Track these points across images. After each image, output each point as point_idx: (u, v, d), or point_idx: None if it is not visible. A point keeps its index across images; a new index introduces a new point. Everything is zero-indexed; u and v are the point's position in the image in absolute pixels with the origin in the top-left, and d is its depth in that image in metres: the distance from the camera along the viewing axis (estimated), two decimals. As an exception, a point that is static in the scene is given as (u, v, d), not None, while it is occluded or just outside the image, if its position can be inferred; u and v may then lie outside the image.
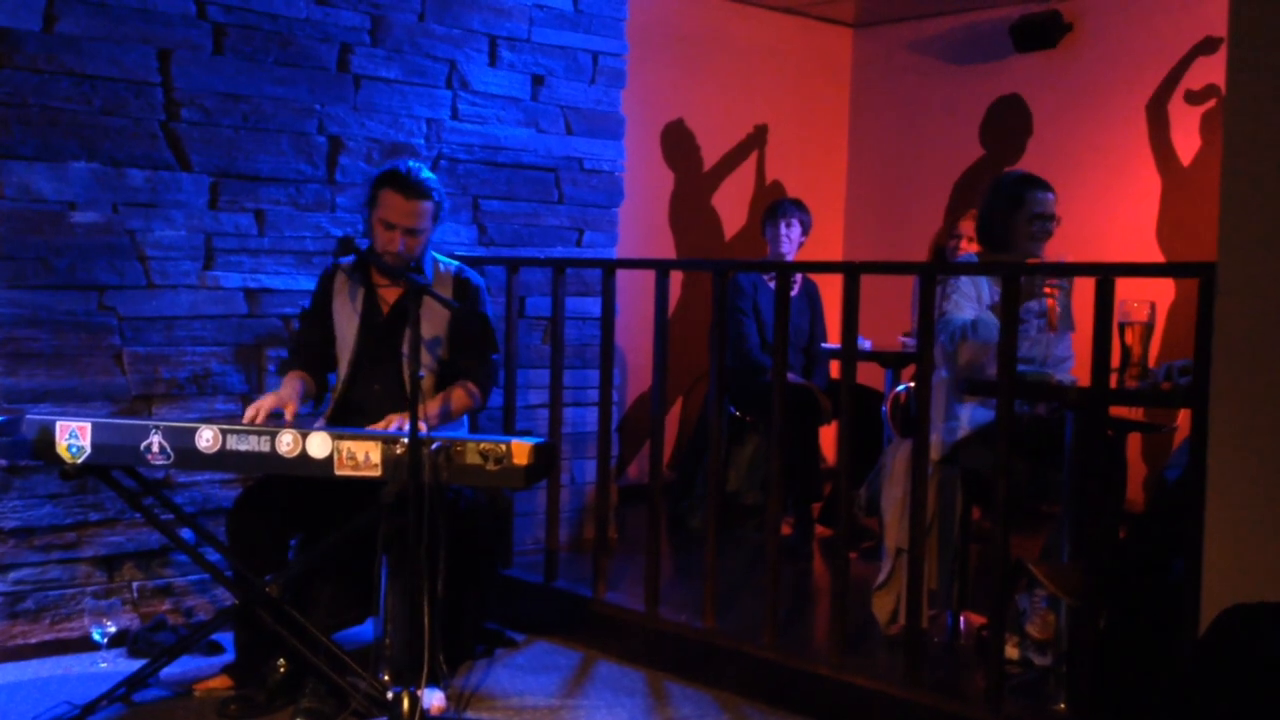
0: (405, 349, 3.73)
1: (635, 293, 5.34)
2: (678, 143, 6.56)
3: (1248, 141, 2.73)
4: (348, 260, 3.77)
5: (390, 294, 3.84)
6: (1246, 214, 2.73)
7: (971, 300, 3.82)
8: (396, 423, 3.51)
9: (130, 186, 4.07)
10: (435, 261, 3.88)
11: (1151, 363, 3.60)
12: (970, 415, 3.84)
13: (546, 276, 4.74)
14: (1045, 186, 3.89)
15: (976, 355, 3.75)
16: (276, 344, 4.35)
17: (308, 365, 3.90)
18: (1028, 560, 3.53)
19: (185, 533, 3.80)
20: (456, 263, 3.96)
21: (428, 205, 3.71)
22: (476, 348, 3.85)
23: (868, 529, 5.19)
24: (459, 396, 3.76)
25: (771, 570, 3.80)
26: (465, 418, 3.95)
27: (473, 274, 3.94)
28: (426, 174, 3.76)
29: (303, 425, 3.43)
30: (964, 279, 3.86)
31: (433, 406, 3.66)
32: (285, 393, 3.69)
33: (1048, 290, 3.76)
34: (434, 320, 3.75)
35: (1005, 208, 3.87)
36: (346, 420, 3.72)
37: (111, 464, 3.42)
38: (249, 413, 3.55)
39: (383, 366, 3.80)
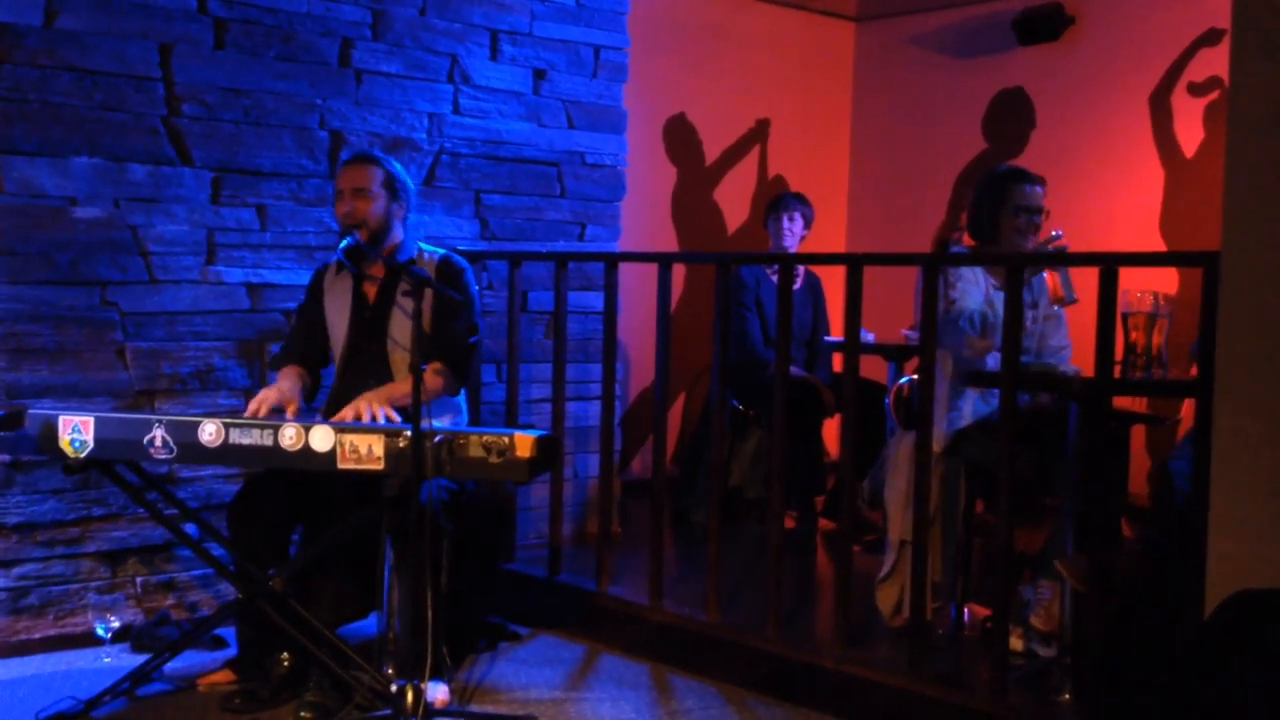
0: (393, 337, 3.75)
1: (638, 287, 5.33)
2: (680, 137, 6.56)
3: (1251, 132, 2.73)
4: (336, 256, 3.78)
5: (375, 286, 3.84)
6: (1250, 204, 2.72)
7: (975, 287, 3.82)
8: (353, 411, 3.48)
9: (132, 182, 4.07)
10: (420, 251, 3.89)
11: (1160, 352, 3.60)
12: (973, 406, 3.84)
13: (549, 271, 4.73)
14: (1032, 180, 3.87)
15: (989, 344, 3.74)
16: (279, 339, 4.34)
17: (302, 360, 3.90)
18: (1057, 562, 3.50)
19: (189, 527, 3.81)
20: (442, 250, 3.96)
21: (372, 169, 3.78)
22: (454, 329, 3.82)
23: (871, 522, 5.19)
24: (428, 377, 3.70)
25: (774, 563, 3.80)
26: (465, 411, 3.94)
27: (457, 258, 3.94)
28: (383, 155, 3.92)
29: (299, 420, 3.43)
30: (965, 269, 3.86)
31: (401, 387, 3.62)
32: (287, 389, 3.69)
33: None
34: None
35: (991, 201, 3.88)
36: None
37: (115, 458, 3.41)
38: (251, 406, 3.56)
39: (373, 359, 3.79)
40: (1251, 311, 2.72)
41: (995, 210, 3.86)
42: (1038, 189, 3.86)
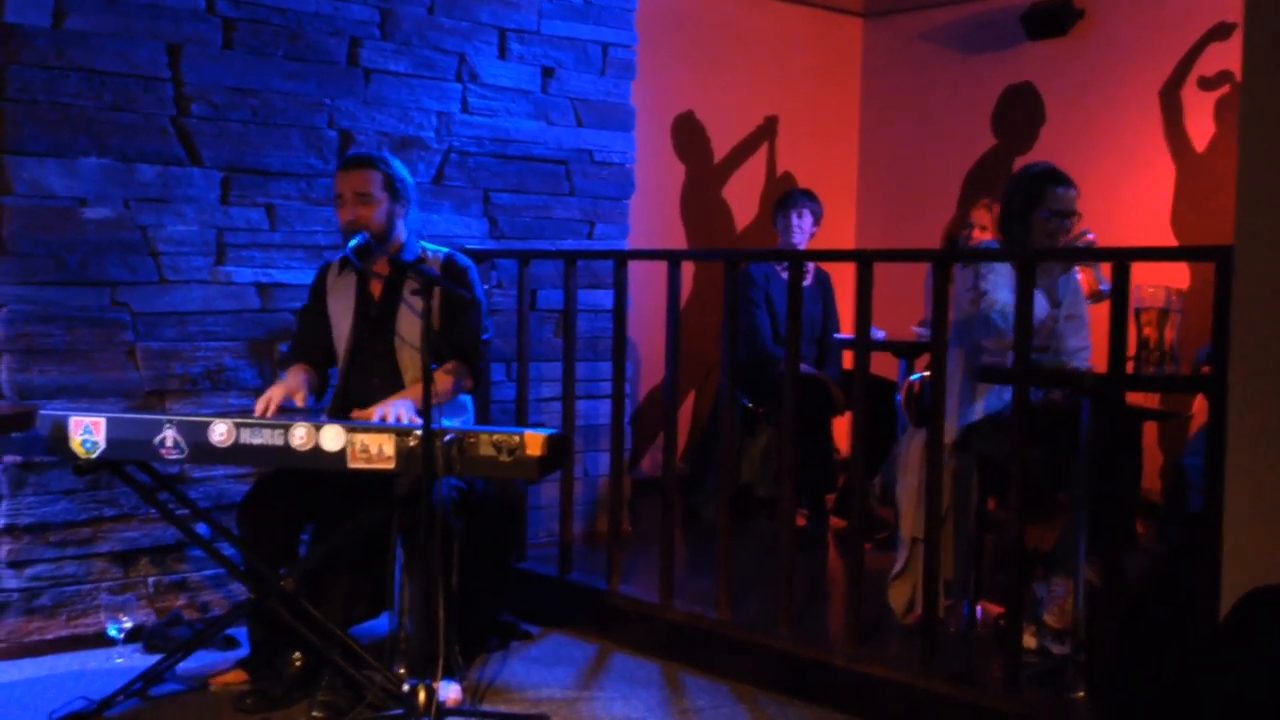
0: (400, 335, 3.74)
1: (647, 284, 5.33)
2: (688, 134, 6.55)
3: (1263, 127, 2.72)
4: (344, 254, 3.77)
5: (380, 284, 3.84)
6: (1262, 198, 2.71)
7: (1004, 279, 3.80)
8: (379, 412, 3.49)
9: (141, 182, 4.07)
10: (424, 249, 3.88)
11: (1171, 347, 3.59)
12: (985, 402, 3.82)
13: (558, 269, 4.73)
14: (1066, 182, 3.85)
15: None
16: (289, 338, 4.35)
17: (309, 360, 3.90)
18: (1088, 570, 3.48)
19: (200, 527, 3.81)
20: (446, 249, 3.95)
21: (371, 173, 3.74)
22: (465, 326, 3.81)
23: (883, 519, 5.17)
24: (441, 378, 3.69)
25: (786, 561, 3.79)
26: (472, 410, 3.94)
27: (461, 257, 3.93)
28: (380, 154, 3.87)
29: (310, 420, 3.42)
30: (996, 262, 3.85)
31: (416, 390, 3.62)
32: (293, 383, 3.72)
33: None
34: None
35: (1024, 201, 3.86)
36: (348, 414, 3.71)
37: (126, 459, 3.42)
38: (259, 405, 3.56)
39: (379, 357, 3.79)
40: (1264, 306, 2.71)
41: (1026, 211, 3.84)
42: (1071, 191, 3.84)
